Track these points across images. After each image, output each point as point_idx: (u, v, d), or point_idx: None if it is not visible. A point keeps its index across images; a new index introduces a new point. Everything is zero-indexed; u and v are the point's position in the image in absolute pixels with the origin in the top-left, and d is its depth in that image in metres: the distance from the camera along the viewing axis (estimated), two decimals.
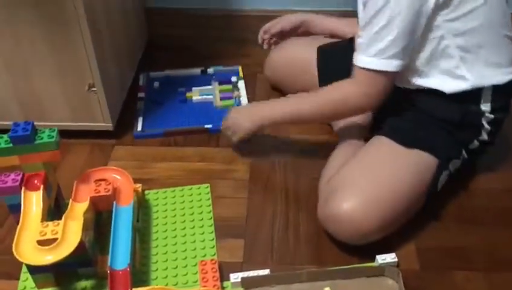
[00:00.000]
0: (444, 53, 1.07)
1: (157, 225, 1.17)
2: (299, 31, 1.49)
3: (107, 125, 1.37)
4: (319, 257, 1.10)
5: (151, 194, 1.24)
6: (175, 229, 1.16)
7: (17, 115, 1.33)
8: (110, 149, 1.38)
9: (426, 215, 1.14)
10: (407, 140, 1.12)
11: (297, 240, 1.14)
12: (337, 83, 1.15)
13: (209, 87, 1.58)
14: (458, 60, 1.08)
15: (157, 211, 1.20)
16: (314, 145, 1.37)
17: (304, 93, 1.23)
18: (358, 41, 1.09)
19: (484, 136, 1.16)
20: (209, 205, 1.21)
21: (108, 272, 0.97)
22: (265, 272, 1.02)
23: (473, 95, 1.11)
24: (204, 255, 1.10)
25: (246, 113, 1.30)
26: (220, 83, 1.59)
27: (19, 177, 1.04)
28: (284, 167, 1.31)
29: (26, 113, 1.33)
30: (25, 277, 1.06)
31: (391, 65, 1.06)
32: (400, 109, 1.17)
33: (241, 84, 1.58)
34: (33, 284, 1.03)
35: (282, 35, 1.50)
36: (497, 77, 1.10)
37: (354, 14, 1.37)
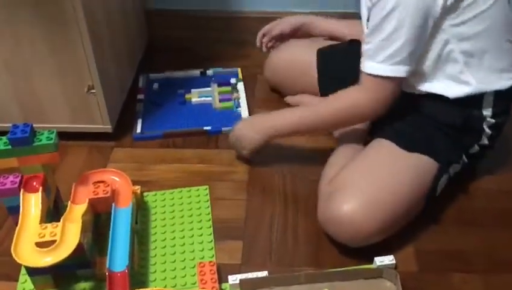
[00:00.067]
0: (448, 58, 1.07)
1: (156, 226, 1.17)
2: (299, 33, 1.49)
3: (106, 127, 1.37)
4: (318, 258, 1.10)
5: (150, 196, 1.24)
6: (174, 231, 1.16)
7: (17, 116, 1.33)
8: (109, 151, 1.38)
9: (424, 217, 1.14)
10: (408, 143, 1.11)
11: (296, 242, 1.14)
12: (343, 91, 1.14)
13: (208, 89, 1.58)
14: (462, 65, 1.08)
15: (156, 213, 1.20)
16: (313, 147, 1.37)
17: (309, 103, 1.22)
18: (365, 47, 1.08)
19: (484, 140, 1.16)
20: (208, 207, 1.21)
21: (107, 273, 0.97)
22: (264, 274, 1.02)
23: (475, 100, 1.11)
24: (203, 257, 1.10)
25: (253, 125, 1.28)
26: (219, 85, 1.59)
27: (18, 179, 1.04)
28: (283, 169, 1.31)
29: (25, 114, 1.34)
30: (24, 279, 1.06)
31: (399, 71, 1.06)
32: (401, 113, 1.16)
33: (240, 86, 1.58)
34: (32, 286, 1.03)
35: (282, 38, 1.50)
36: (499, 82, 1.10)
37: (353, 16, 1.38)
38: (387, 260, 1.04)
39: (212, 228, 1.16)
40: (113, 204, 1.07)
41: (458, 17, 1.03)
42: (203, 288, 1.01)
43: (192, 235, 1.15)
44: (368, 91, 1.10)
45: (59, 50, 1.24)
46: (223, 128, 1.42)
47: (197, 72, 1.65)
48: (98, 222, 1.11)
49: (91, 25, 1.21)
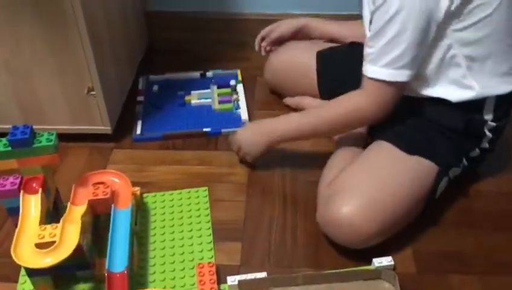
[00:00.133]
0: (451, 62, 1.07)
1: (155, 228, 1.18)
2: (299, 36, 1.49)
3: (106, 128, 1.37)
4: (316, 260, 1.10)
5: (149, 197, 1.25)
6: (173, 232, 1.16)
7: (17, 117, 1.33)
8: (108, 152, 1.38)
9: (423, 219, 1.14)
10: (408, 146, 1.11)
11: (295, 243, 1.14)
12: (345, 95, 1.14)
13: (208, 90, 1.58)
14: (465, 70, 1.07)
15: (156, 214, 1.21)
16: (312, 149, 1.37)
17: (309, 104, 1.22)
18: (367, 51, 1.08)
19: (485, 144, 1.17)
20: (207, 208, 1.22)
21: (106, 274, 0.97)
22: (263, 275, 1.03)
23: (477, 104, 1.11)
24: (202, 258, 1.10)
25: (256, 130, 1.27)
26: (219, 87, 1.59)
27: (18, 181, 1.04)
28: (282, 170, 1.32)
29: (25, 115, 1.34)
30: (24, 280, 1.06)
31: (401, 75, 1.05)
32: (402, 116, 1.16)
33: (240, 87, 1.58)
34: (31, 287, 1.03)
35: (282, 41, 1.50)
36: (502, 86, 1.10)
37: (353, 18, 1.38)
38: (386, 261, 1.05)
39: (211, 229, 1.17)
40: (113, 205, 1.08)
41: (461, 22, 1.02)
42: (202, 289, 1.01)
43: (192, 237, 1.15)
44: (370, 95, 1.10)
45: (59, 51, 1.24)
46: (223, 130, 1.42)
47: (196, 74, 1.65)
48: (98, 223, 1.11)
49: (91, 27, 1.22)
